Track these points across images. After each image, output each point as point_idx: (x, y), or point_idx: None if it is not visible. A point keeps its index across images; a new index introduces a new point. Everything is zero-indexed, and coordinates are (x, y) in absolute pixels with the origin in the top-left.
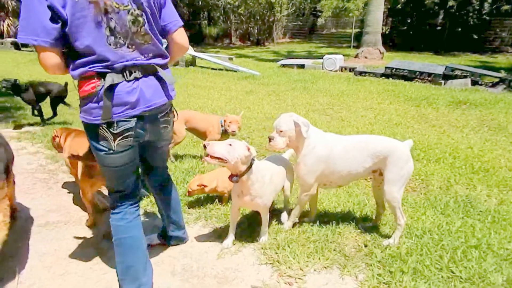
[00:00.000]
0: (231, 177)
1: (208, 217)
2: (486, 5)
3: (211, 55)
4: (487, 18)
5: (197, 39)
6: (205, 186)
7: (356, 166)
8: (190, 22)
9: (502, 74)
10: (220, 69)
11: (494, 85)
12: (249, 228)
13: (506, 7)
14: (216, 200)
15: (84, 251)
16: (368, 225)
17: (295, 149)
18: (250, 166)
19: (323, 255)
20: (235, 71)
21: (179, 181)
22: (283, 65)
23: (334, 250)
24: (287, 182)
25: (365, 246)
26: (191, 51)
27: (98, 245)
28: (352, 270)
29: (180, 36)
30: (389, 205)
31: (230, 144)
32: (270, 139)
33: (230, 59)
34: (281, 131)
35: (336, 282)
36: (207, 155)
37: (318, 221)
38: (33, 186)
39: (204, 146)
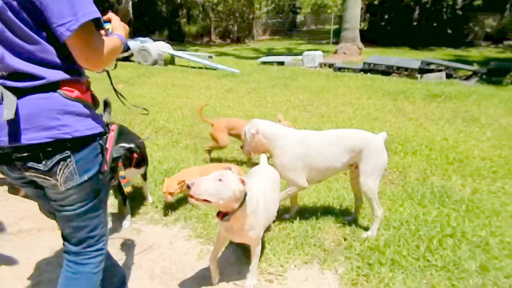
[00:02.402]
0: (220, 215)
1: (187, 218)
2: (460, 0)
3: (190, 54)
4: (461, 13)
5: (176, 37)
6: (183, 181)
7: (334, 161)
8: (169, 20)
9: (475, 67)
10: (199, 68)
11: (467, 78)
12: None
13: (478, 1)
14: None
15: (59, 259)
16: (347, 218)
17: (271, 148)
18: (243, 200)
19: (303, 250)
20: (215, 69)
21: (158, 183)
22: (263, 63)
23: (314, 245)
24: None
25: (345, 239)
26: (169, 49)
27: None
28: (331, 264)
29: (77, 46)
30: (366, 196)
31: (220, 179)
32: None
33: (210, 57)
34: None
35: (316, 277)
36: (192, 197)
37: (298, 217)
38: (4, 193)
39: (188, 187)
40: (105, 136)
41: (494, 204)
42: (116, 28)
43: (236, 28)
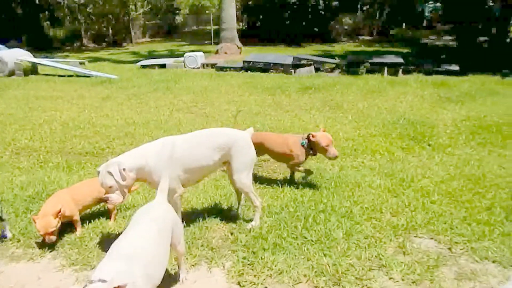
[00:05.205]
0: None
1: (59, 246)
2: (321, 1)
3: (56, 61)
4: (323, 13)
5: (39, 43)
6: (59, 211)
7: (206, 161)
8: (29, 23)
9: (337, 60)
10: (70, 76)
11: (332, 70)
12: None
13: (335, 3)
14: (70, 224)
15: None
16: (234, 213)
17: (147, 176)
18: None
19: (190, 254)
20: (89, 76)
21: (20, 212)
22: (144, 66)
23: (201, 246)
24: (178, 240)
25: (231, 234)
26: (29, 57)
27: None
28: (219, 261)
29: None
30: (241, 191)
31: None
32: (107, 200)
33: (82, 63)
34: (110, 187)
35: (205, 277)
36: None
37: (184, 221)
38: None
39: None
40: None
41: (356, 177)
42: None
43: (111, 31)
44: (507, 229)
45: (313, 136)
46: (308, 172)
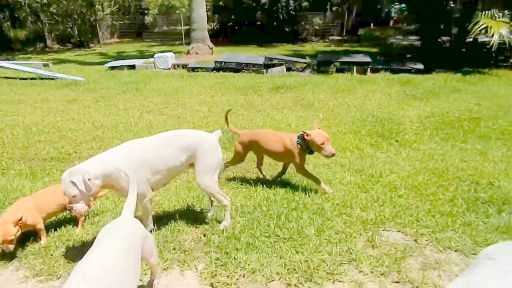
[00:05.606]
0: None
1: (22, 256)
2: (292, 2)
3: (18, 63)
4: (294, 13)
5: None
6: (19, 219)
7: (173, 162)
8: None
9: (308, 60)
10: (33, 78)
11: (303, 69)
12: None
13: (305, 3)
14: (35, 233)
15: None
16: (207, 214)
17: (114, 183)
18: None
19: (162, 257)
20: (53, 78)
21: None
22: (112, 68)
23: (173, 249)
24: (150, 253)
25: (204, 235)
26: None
27: None
28: (191, 263)
29: None
30: (206, 193)
31: None
32: (70, 210)
33: (45, 65)
34: (74, 197)
35: (177, 280)
36: None
37: (156, 225)
38: None
39: None
40: None
41: (328, 174)
42: None
43: (77, 32)
44: (468, 219)
45: (307, 135)
46: (316, 180)
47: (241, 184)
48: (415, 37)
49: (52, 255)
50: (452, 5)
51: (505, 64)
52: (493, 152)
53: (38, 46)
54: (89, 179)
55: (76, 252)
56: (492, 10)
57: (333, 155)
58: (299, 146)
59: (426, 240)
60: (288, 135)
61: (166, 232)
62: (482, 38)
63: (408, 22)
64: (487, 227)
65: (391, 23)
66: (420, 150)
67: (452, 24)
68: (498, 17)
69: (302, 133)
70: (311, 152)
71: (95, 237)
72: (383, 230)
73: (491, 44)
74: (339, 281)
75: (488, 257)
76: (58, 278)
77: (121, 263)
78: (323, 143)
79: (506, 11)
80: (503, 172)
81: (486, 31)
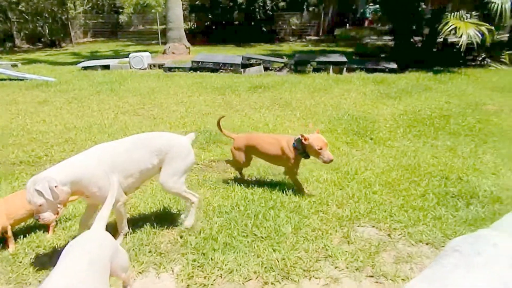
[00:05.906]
0: None
1: None
2: (269, 2)
3: None
4: (271, 13)
5: None
6: None
7: (144, 165)
8: None
9: (285, 59)
10: (0, 79)
11: (280, 69)
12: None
13: (282, 3)
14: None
15: None
16: (184, 215)
17: (84, 189)
18: None
19: (137, 261)
20: (22, 79)
21: None
22: (85, 68)
23: (149, 252)
24: (121, 268)
25: (181, 237)
26: None
27: None
28: (168, 266)
29: None
30: (171, 193)
31: None
32: (38, 219)
33: (14, 65)
34: (40, 206)
35: (152, 283)
36: None
37: (131, 228)
38: None
39: None
40: None
41: (305, 173)
42: None
43: (47, 31)
44: (438, 213)
45: (305, 139)
46: (299, 186)
47: (219, 184)
48: (389, 37)
49: (21, 262)
50: (423, 6)
51: (473, 64)
52: (462, 148)
53: (6, 46)
54: (56, 186)
55: (47, 259)
56: (460, 11)
57: (331, 161)
58: (295, 149)
59: (399, 235)
60: (284, 138)
61: (141, 235)
62: (451, 39)
63: (383, 22)
64: (456, 220)
65: (366, 23)
66: (393, 147)
67: (423, 24)
68: (466, 18)
69: (300, 136)
70: (307, 157)
71: (66, 245)
72: (358, 226)
73: (460, 44)
74: (316, 278)
75: (453, 249)
76: (28, 286)
77: (87, 281)
78: (321, 148)
79: (473, 12)
80: (471, 167)
81: (455, 32)
